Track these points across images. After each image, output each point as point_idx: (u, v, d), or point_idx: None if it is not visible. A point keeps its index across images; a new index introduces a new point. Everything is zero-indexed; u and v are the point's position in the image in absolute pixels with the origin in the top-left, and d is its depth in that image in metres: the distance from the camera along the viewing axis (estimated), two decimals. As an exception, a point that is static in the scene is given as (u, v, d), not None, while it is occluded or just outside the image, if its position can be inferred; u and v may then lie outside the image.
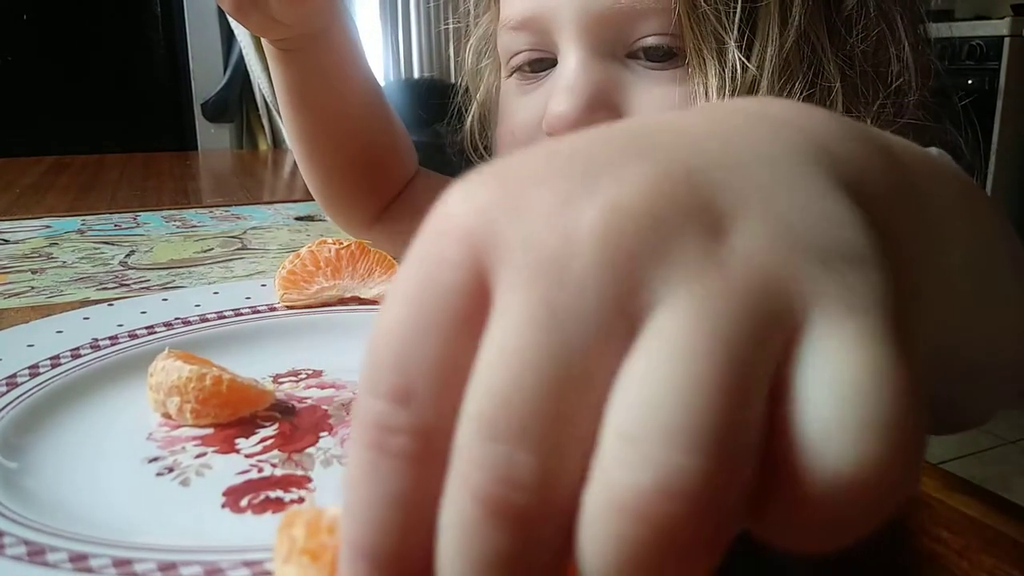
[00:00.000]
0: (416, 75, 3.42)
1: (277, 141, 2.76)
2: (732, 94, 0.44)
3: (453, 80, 3.41)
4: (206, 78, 2.99)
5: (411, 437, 0.15)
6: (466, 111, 0.65)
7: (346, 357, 0.43)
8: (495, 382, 0.14)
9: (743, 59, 0.44)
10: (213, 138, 2.99)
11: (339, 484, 0.31)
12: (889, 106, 0.46)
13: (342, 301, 0.49)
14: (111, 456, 0.34)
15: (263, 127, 2.94)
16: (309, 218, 0.94)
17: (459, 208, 0.16)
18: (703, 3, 0.44)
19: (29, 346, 0.41)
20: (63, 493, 0.31)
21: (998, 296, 0.27)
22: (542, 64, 0.52)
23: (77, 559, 0.25)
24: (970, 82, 2.62)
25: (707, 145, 0.17)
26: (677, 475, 0.13)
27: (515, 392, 0.14)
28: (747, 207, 0.15)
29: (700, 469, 0.13)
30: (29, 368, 0.39)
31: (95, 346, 0.42)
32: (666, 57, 0.47)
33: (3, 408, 0.36)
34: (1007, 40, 2.63)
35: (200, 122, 3.00)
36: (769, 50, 0.44)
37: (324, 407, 0.38)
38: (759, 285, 0.14)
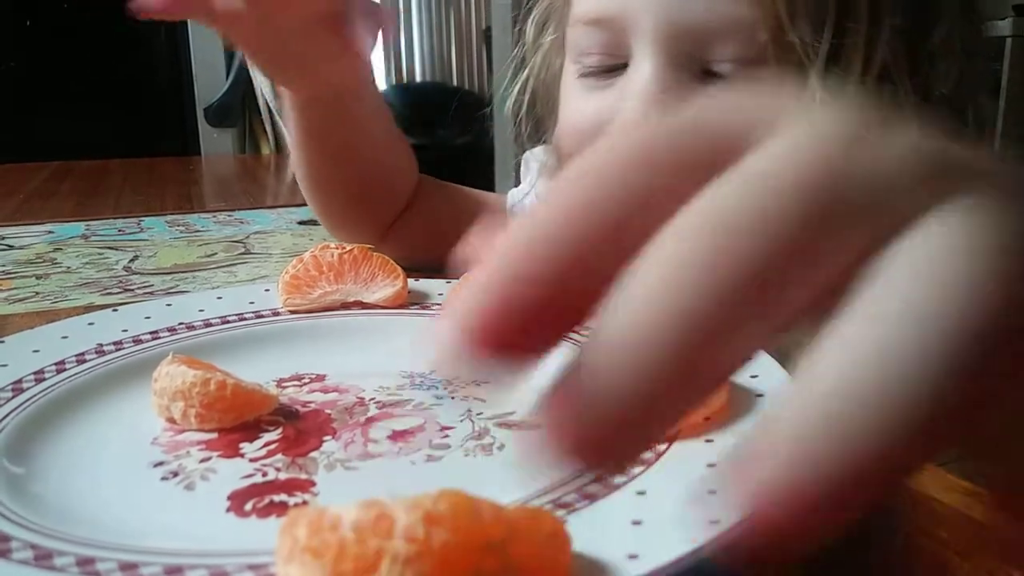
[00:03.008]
0: (418, 79, 3.43)
1: (280, 146, 2.77)
2: None
3: (455, 83, 3.42)
4: (209, 83, 3.00)
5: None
6: (514, 80, 0.64)
7: (349, 361, 0.44)
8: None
9: (822, 92, 0.43)
10: (216, 143, 2.99)
11: (342, 488, 0.32)
12: None
13: (345, 306, 0.50)
14: (116, 461, 0.34)
15: (266, 132, 2.95)
16: (312, 222, 0.95)
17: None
18: (791, 32, 0.42)
19: (34, 352, 0.41)
20: (69, 497, 0.31)
21: None
22: (613, 68, 0.51)
23: (84, 563, 0.25)
24: (972, 83, 2.61)
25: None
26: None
27: None
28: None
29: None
30: (35, 374, 0.39)
31: (100, 351, 0.42)
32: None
33: (9, 413, 0.36)
34: (1009, 40, 2.63)
35: (203, 127, 3.01)
36: (850, 85, 0.43)
37: (327, 411, 0.38)
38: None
